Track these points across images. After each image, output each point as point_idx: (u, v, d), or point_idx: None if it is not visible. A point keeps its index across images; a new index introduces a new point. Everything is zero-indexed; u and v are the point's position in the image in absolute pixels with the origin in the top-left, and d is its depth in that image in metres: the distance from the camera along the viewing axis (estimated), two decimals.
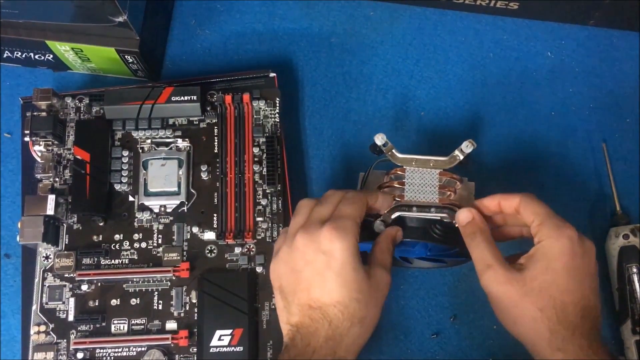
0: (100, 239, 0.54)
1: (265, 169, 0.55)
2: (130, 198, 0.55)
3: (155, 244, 0.54)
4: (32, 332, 0.52)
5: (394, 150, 0.52)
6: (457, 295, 0.57)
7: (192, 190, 0.55)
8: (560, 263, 0.44)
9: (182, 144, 0.56)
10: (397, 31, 0.63)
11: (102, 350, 0.52)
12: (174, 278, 0.53)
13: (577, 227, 0.46)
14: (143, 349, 0.52)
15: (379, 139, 0.51)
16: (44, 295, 0.53)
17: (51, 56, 0.60)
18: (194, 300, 0.53)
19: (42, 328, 0.52)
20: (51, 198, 0.53)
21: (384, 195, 0.50)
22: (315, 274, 0.45)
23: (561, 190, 0.59)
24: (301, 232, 0.46)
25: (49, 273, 0.54)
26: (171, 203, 0.55)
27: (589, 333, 0.44)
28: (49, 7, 0.54)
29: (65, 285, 0.53)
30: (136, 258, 0.54)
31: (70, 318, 0.53)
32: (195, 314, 0.53)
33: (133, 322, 0.53)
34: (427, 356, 0.56)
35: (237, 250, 0.54)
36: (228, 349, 0.51)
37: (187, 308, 0.53)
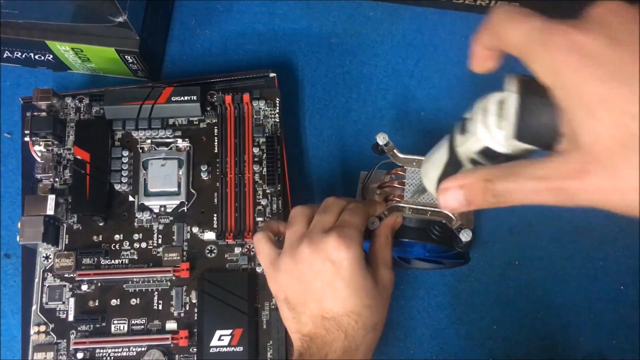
0: (100, 239, 0.54)
1: (265, 169, 0.55)
2: (130, 198, 0.55)
3: (155, 244, 0.54)
4: (32, 332, 0.52)
5: (395, 150, 0.52)
6: (457, 295, 0.57)
7: (192, 190, 0.55)
8: None
9: (182, 144, 0.56)
10: (397, 31, 0.63)
11: (102, 350, 0.52)
12: (174, 278, 0.53)
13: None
14: (143, 349, 0.52)
15: (381, 139, 0.51)
16: (44, 295, 0.53)
17: (51, 56, 0.60)
18: (194, 300, 0.53)
19: (42, 328, 0.52)
20: (51, 198, 0.53)
21: (386, 207, 0.50)
22: (325, 284, 0.44)
23: None
24: (306, 241, 0.45)
25: (49, 273, 0.54)
26: (171, 203, 0.55)
27: None
28: (49, 7, 0.54)
29: (65, 285, 0.53)
30: (136, 258, 0.54)
31: (70, 318, 0.53)
32: (195, 314, 0.53)
33: (133, 322, 0.53)
34: (427, 356, 0.56)
35: (237, 250, 0.54)
36: (228, 349, 0.51)
37: (187, 308, 0.53)
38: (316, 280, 0.45)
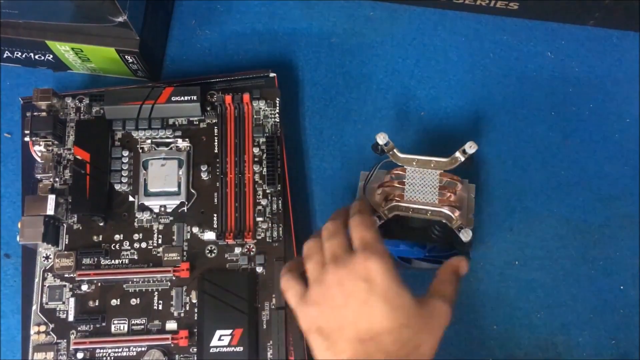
0: (100, 239, 0.54)
1: (265, 169, 0.55)
2: (130, 198, 0.55)
3: (155, 244, 0.54)
4: (32, 332, 0.52)
5: (395, 150, 0.52)
6: (457, 295, 0.57)
7: (192, 190, 0.55)
8: None
9: (182, 144, 0.56)
10: (397, 31, 0.63)
11: (102, 350, 0.52)
12: (174, 278, 0.53)
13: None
14: (143, 349, 0.52)
15: (381, 138, 0.51)
16: (44, 295, 0.53)
17: (51, 56, 0.60)
18: (194, 300, 0.53)
19: (42, 328, 0.52)
20: (51, 198, 0.53)
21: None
22: (360, 304, 0.42)
23: (561, 191, 0.59)
24: (332, 266, 0.43)
25: (49, 273, 0.54)
26: (171, 203, 0.55)
27: None
28: (49, 7, 0.54)
29: (65, 285, 0.53)
30: (136, 258, 0.54)
31: (70, 318, 0.53)
32: (195, 314, 0.53)
33: (133, 322, 0.53)
34: None
35: (237, 250, 0.54)
36: (228, 349, 0.51)
37: (187, 308, 0.53)
38: (349, 302, 0.42)
